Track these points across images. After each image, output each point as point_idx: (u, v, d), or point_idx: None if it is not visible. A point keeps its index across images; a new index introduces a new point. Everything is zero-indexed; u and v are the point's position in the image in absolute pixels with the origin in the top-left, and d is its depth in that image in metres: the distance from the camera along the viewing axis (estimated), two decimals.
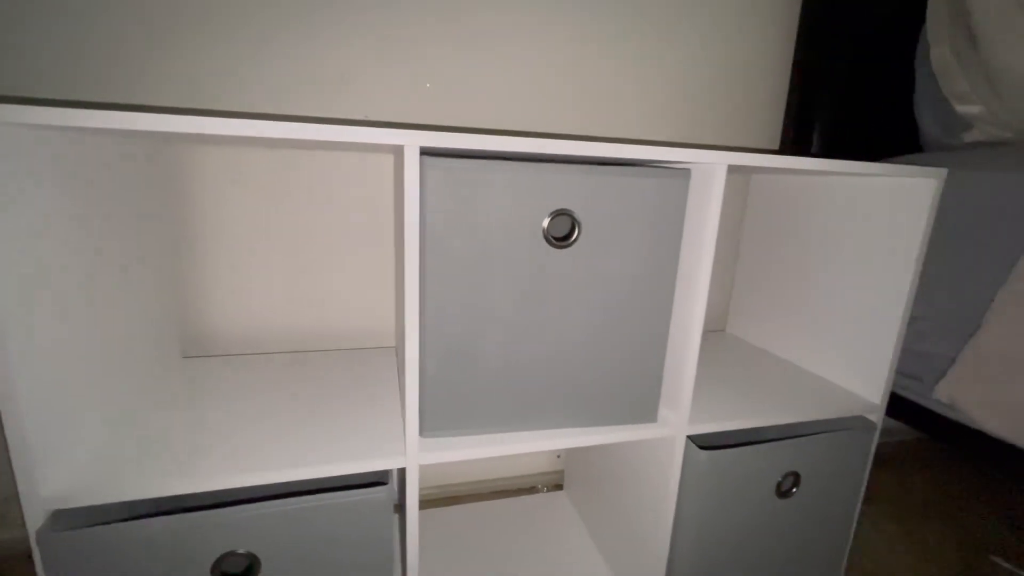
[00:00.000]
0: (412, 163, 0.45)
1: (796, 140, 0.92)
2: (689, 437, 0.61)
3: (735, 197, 0.96)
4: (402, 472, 0.54)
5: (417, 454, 0.52)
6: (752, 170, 0.75)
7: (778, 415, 0.65)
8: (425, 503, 0.94)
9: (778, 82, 0.94)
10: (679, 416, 0.60)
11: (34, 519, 0.43)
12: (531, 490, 1.00)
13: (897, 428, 1.24)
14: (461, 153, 0.51)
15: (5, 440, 0.42)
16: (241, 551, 0.47)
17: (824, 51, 0.88)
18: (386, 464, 0.51)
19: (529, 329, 0.54)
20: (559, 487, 1.01)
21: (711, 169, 0.54)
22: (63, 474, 0.46)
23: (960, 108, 0.81)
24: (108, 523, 0.44)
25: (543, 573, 0.77)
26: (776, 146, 0.98)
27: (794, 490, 0.65)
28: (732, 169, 0.64)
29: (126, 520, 0.44)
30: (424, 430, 0.54)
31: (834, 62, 0.88)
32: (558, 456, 1.02)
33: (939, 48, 0.81)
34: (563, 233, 0.52)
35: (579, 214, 0.52)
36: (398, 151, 0.51)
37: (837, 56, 0.87)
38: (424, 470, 0.94)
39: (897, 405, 0.78)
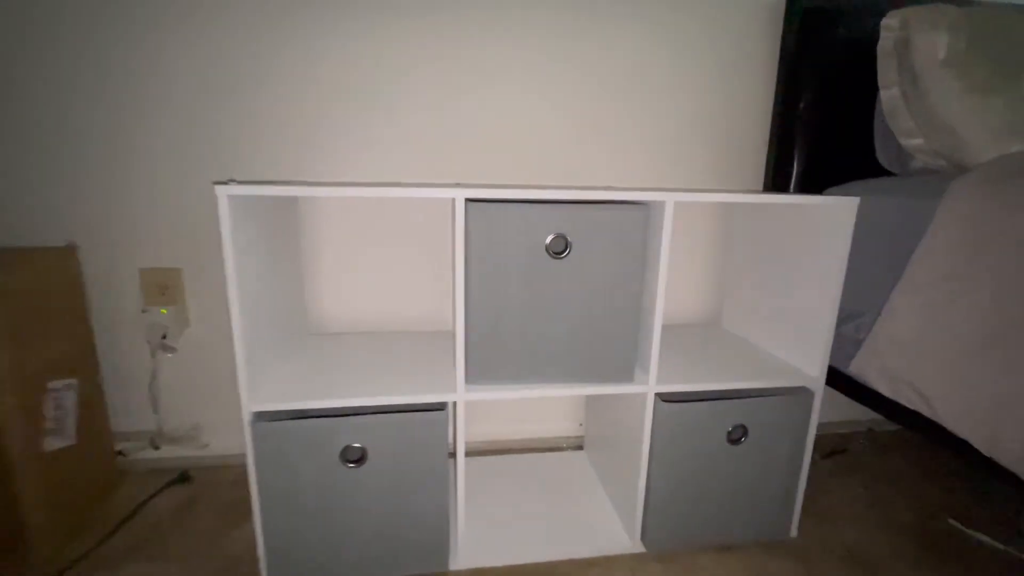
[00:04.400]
0: (460, 208, 0.73)
1: (776, 178, 1.12)
2: (657, 394, 0.85)
3: (724, 223, 1.17)
4: (455, 407, 0.82)
5: (464, 394, 0.80)
6: (727, 203, 0.98)
7: (731, 381, 0.87)
8: (471, 452, 1.22)
9: (761, 131, 1.15)
10: (649, 378, 0.84)
11: (246, 415, 0.75)
12: (556, 448, 1.25)
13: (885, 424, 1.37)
14: (492, 199, 0.78)
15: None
16: (357, 444, 0.77)
17: (796, 102, 1.08)
18: (444, 398, 0.79)
19: (538, 314, 0.80)
20: (580, 448, 1.25)
21: (661, 205, 0.78)
22: (260, 391, 0.78)
23: (904, 142, 0.98)
24: (283, 420, 0.75)
25: (560, 498, 1.02)
26: (761, 185, 1.18)
27: (743, 439, 0.87)
28: (683, 206, 0.86)
29: (293, 419, 0.75)
30: (468, 379, 0.82)
31: (806, 111, 1.07)
32: (580, 424, 1.27)
33: (888, 91, 0.99)
34: (560, 248, 0.79)
35: (571, 236, 0.78)
36: (452, 201, 0.80)
37: (808, 105, 1.07)
38: (472, 427, 1.22)
39: (844, 381, 0.97)
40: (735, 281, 1.15)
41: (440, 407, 0.80)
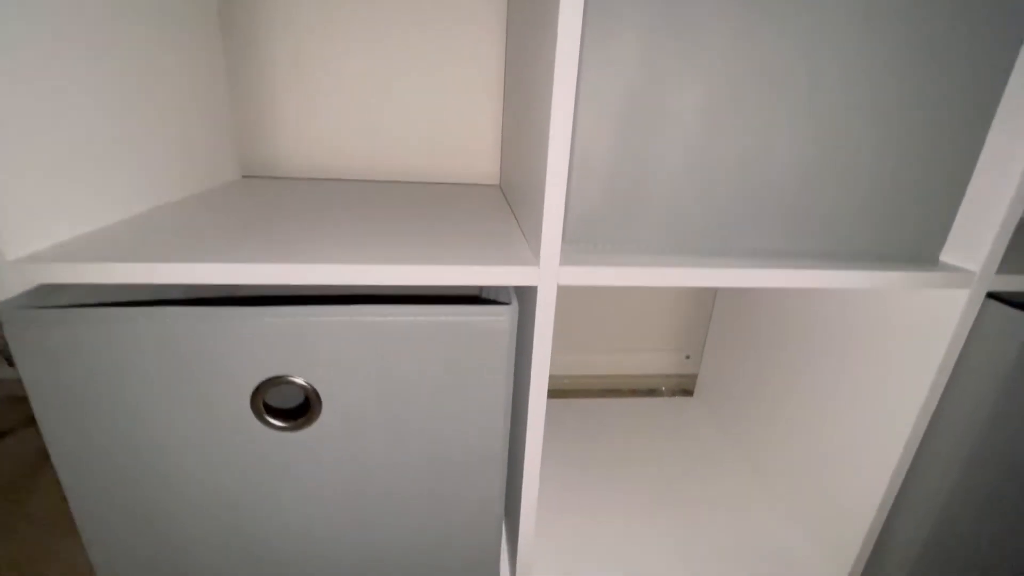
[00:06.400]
0: None
1: None
2: (991, 294, 0.37)
3: None
4: (526, 295, 0.36)
5: (557, 268, 0.33)
6: None
7: None
8: None
9: None
10: (978, 258, 0.36)
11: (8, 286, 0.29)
12: (650, 393, 0.80)
13: None
14: None
15: None
16: (295, 378, 0.31)
17: None
18: (509, 277, 0.32)
19: (746, 92, 0.31)
20: (688, 392, 0.81)
21: None
22: (55, 238, 0.31)
23: None
24: (104, 305, 0.29)
25: (678, 485, 0.58)
26: None
27: None
28: None
29: (130, 306, 0.29)
30: (568, 236, 0.35)
31: None
32: (687, 357, 0.81)
33: None
34: None
35: None
36: None
37: None
38: None
39: None
40: None
41: (500, 299, 0.33)
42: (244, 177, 0.60)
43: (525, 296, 0.36)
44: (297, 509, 0.35)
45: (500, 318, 0.32)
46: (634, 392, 0.81)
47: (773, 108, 0.32)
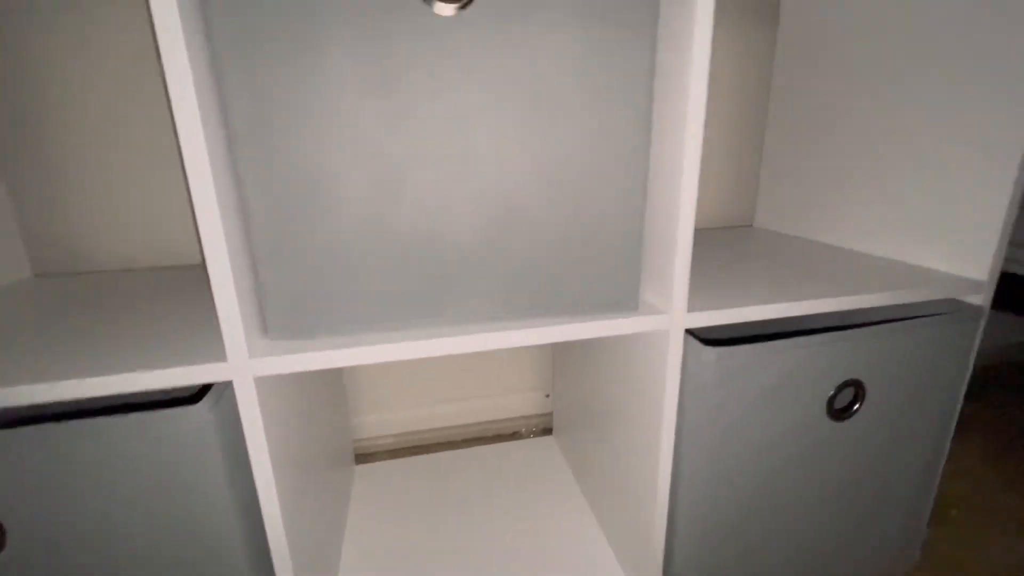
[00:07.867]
0: None
1: None
2: (690, 331, 0.41)
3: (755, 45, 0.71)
4: (227, 392, 0.36)
5: (247, 361, 0.33)
6: None
7: (825, 299, 0.43)
8: (382, 454, 0.77)
9: None
10: (671, 301, 0.39)
11: None
12: (513, 436, 0.82)
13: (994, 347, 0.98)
14: None
15: None
16: None
17: None
18: (196, 377, 0.33)
19: (441, 149, 0.34)
20: (548, 431, 0.82)
21: None
22: None
23: None
24: None
25: (514, 528, 0.59)
26: None
27: (855, 408, 0.44)
28: None
29: None
30: (272, 326, 0.36)
31: None
32: (547, 396, 0.83)
33: None
34: None
35: None
36: None
37: None
38: (385, 419, 0.77)
39: (1010, 288, 0.55)
40: (779, 155, 0.71)
41: (187, 398, 0.34)
42: (36, 276, 0.59)
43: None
44: None
45: (183, 423, 0.32)
46: (498, 436, 0.81)
47: (448, 180, 0.35)
